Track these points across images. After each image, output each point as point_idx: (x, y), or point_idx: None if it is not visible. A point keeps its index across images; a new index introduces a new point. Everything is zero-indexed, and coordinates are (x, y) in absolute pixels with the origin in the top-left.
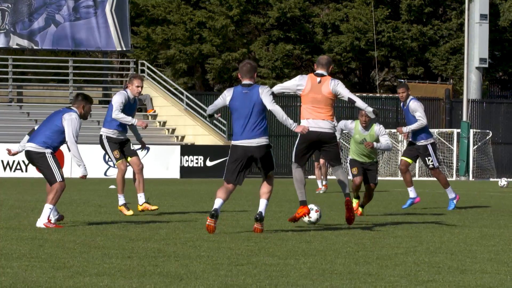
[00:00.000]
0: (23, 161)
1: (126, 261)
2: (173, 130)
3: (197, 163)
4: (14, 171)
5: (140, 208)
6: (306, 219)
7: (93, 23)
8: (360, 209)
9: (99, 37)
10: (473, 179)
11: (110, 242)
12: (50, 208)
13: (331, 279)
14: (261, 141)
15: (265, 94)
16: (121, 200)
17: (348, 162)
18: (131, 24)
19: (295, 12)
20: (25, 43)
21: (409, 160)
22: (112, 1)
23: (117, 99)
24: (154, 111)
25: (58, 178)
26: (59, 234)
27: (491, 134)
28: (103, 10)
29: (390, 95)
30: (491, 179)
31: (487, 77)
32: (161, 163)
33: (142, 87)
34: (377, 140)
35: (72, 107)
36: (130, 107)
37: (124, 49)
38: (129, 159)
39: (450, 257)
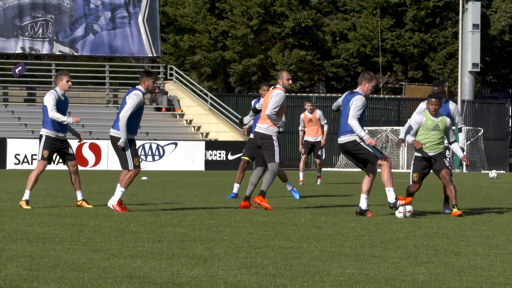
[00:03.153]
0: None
1: (156, 245)
2: (199, 127)
3: (220, 157)
4: (57, 164)
5: (78, 204)
6: (401, 215)
7: (127, 32)
8: (454, 209)
9: (132, 44)
10: (466, 171)
11: (142, 227)
12: (122, 191)
13: (340, 260)
14: None
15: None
16: (26, 195)
17: (413, 161)
18: (161, 32)
19: (308, 22)
20: (66, 50)
21: None
22: (144, 12)
23: (49, 99)
24: (181, 111)
25: (131, 166)
26: (96, 220)
27: (482, 131)
28: (136, 20)
29: (392, 96)
30: (482, 171)
31: (479, 80)
32: (188, 157)
33: (70, 81)
34: (447, 129)
35: (137, 86)
36: (62, 104)
37: (155, 55)
38: (68, 162)
39: (446, 241)
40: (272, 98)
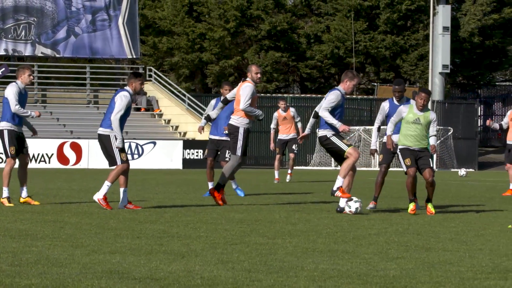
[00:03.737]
0: (46, 154)
1: (135, 241)
2: (177, 127)
3: (197, 155)
4: (39, 162)
5: (22, 200)
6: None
7: (107, 34)
8: (429, 206)
9: (112, 46)
10: (436, 169)
11: (121, 224)
12: (108, 186)
13: (313, 256)
14: None
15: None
16: (5, 193)
17: (399, 151)
18: (140, 35)
19: (283, 25)
20: (48, 51)
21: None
22: (124, 15)
23: (11, 92)
24: (160, 111)
25: (119, 161)
26: (77, 217)
27: (452, 130)
28: (116, 22)
29: (365, 96)
30: (452, 170)
31: (449, 81)
32: (166, 155)
33: (32, 75)
34: (428, 125)
35: (125, 87)
36: (23, 97)
37: (134, 56)
38: (22, 155)
39: (417, 237)
40: (242, 92)
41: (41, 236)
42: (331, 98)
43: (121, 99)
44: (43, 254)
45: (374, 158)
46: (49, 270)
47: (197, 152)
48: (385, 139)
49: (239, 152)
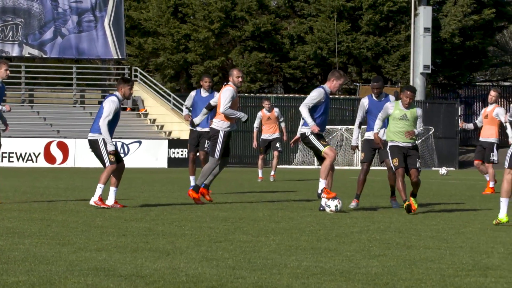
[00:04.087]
0: (34, 153)
1: (121, 239)
2: (162, 126)
3: (182, 154)
4: (26, 161)
5: None
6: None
7: (93, 35)
8: (412, 200)
9: (98, 47)
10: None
11: (107, 222)
12: (100, 188)
13: (297, 253)
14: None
15: None
16: None
17: (388, 148)
18: (125, 35)
19: (267, 26)
20: (35, 52)
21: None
22: (110, 16)
23: None
24: (145, 110)
25: (107, 163)
26: (64, 215)
27: (433, 130)
28: (102, 23)
29: (347, 96)
30: (433, 168)
31: (430, 81)
32: (151, 154)
33: (8, 70)
34: (415, 121)
35: (114, 92)
36: (0, 92)
37: (120, 57)
38: None
39: (398, 235)
40: (222, 95)
41: (28, 234)
42: (313, 95)
43: (109, 104)
44: (30, 251)
45: (354, 153)
46: (36, 268)
47: (182, 151)
48: (367, 136)
49: (217, 155)
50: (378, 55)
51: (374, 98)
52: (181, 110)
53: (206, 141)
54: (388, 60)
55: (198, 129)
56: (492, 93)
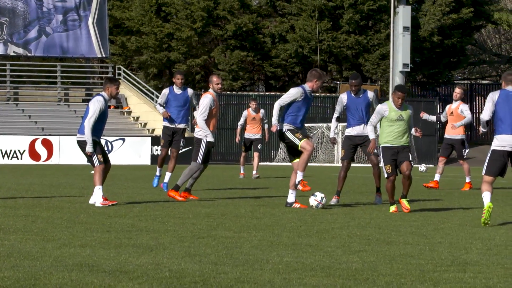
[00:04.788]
0: (18, 150)
1: (105, 235)
2: (145, 124)
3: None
4: (11, 158)
5: None
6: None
7: (78, 34)
8: (404, 201)
9: (82, 45)
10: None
11: (91, 218)
12: (100, 189)
13: (278, 249)
14: None
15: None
16: None
17: (381, 151)
18: (109, 34)
19: (248, 26)
20: (20, 50)
21: None
22: (94, 15)
23: None
24: (129, 108)
25: (96, 163)
26: (48, 212)
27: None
28: (86, 22)
29: (328, 94)
30: (412, 165)
31: (409, 79)
32: (134, 151)
33: None
34: (410, 119)
35: (100, 92)
36: None
37: (104, 55)
38: None
39: (378, 231)
40: (200, 104)
41: (13, 230)
42: (291, 92)
43: (94, 104)
44: (15, 247)
45: (334, 147)
46: (21, 263)
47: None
48: (347, 132)
49: (199, 160)
50: (358, 53)
51: (353, 94)
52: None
53: (182, 140)
54: (368, 59)
55: (171, 126)
56: (457, 90)
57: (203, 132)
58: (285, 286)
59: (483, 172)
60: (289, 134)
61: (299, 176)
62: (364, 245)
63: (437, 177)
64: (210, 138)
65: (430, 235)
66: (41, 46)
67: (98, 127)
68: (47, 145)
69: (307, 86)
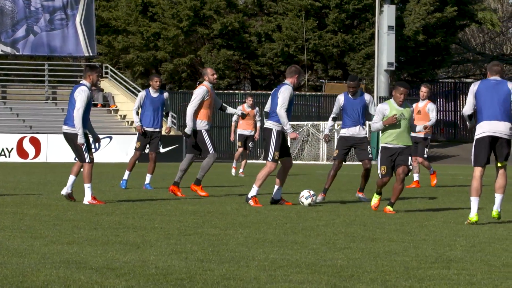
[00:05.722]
0: (6, 148)
1: (92, 232)
2: (132, 122)
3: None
4: None
5: None
6: (306, 202)
7: (65, 33)
8: (389, 208)
9: (70, 44)
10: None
11: (79, 215)
12: (89, 187)
13: (264, 246)
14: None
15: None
16: None
17: (379, 153)
18: (96, 34)
19: (234, 25)
20: (8, 49)
21: None
22: (81, 14)
23: None
24: (116, 107)
25: (87, 159)
26: (36, 209)
27: None
28: (73, 22)
29: (313, 93)
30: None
31: (394, 78)
32: (122, 149)
33: None
34: (411, 118)
35: (81, 81)
36: None
37: (91, 54)
38: None
39: (363, 228)
40: (194, 93)
41: (1, 227)
42: (286, 93)
43: (81, 94)
44: (3, 244)
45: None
46: (9, 260)
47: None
48: (342, 133)
49: (211, 149)
50: (343, 52)
51: (350, 96)
52: None
53: (159, 142)
54: (353, 57)
55: (150, 129)
56: (423, 89)
57: (200, 122)
58: (271, 283)
59: (473, 164)
60: (273, 139)
61: (254, 191)
62: (349, 242)
63: (416, 177)
64: (188, 130)
65: (414, 232)
66: (29, 45)
67: (85, 117)
68: (35, 143)
69: (289, 82)
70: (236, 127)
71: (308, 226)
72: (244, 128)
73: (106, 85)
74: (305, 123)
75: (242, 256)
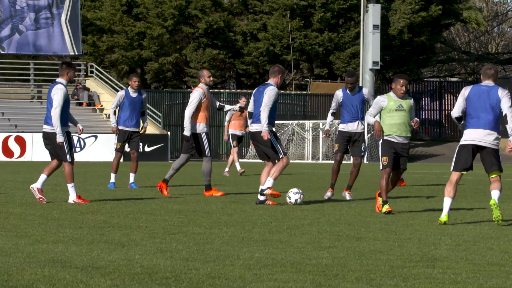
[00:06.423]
0: None
1: (77, 231)
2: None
3: (139, 149)
4: None
5: None
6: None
7: (50, 32)
8: (386, 206)
9: (55, 43)
10: (367, 162)
11: (64, 214)
12: (72, 186)
13: (249, 245)
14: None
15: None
16: None
17: (381, 143)
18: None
19: (220, 24)
20: None
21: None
22: (67, 13)
23: None
24: (101, 106)
25: (69, 158)
26: (21, 208)
27: None
28: (59, 21)
29: (298, 92)
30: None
31: (379, 77)
32: (107, 148)
33: None
34: (411, 109)
35: (57, 80)
36: None
37: (77, 53)
38: None
39: (348, 227)
40: (191, 96)
41: None
42: (271, 94)
43: (57, 92)
44: None
45: (327, 138)
46: None
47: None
48: (340, 128)
49: (208, 152)
50: (329, 51)
51: (348, 92)
52: None
53: (139, 141)
54: (339, 56)
55: (129, 129)
56: None
57: (198, 125)
58: (256, 281)
59: (451, 168)
60: (273, 141)
61: (269, 183)
62: (334, 241)
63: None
64: (187, 132)
65: (399, 231)
66: (14, 44)
67: (64, 115)
68: (20, 142)
69: (273, 82)
70: (228, 126)
71: (293, 225)
72: (235, 128)
73: (92, 84)
74: (290, 122)
75: (227, 255)
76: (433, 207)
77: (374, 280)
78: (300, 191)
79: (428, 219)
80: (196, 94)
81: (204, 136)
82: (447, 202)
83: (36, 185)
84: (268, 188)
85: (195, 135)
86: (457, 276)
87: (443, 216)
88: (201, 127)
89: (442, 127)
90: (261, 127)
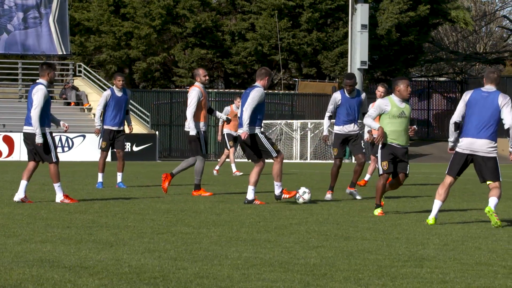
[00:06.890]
0: None
1: (65, 230)
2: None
3: (125, 148)
4: None
5: None
6: (301, 200)
7: (39, 31)
8: (380, 209)
9: (43, 43)
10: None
11: (52, 214)
12: (59, 186)
13: (237, 245)
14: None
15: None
16: None
17: (379, 150)
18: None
19: (208, 23)
20: None
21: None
22: (55, 13)
23: None
24: (89, 105)
25: (54, 158)
26: (9, 208)
27: None
28: (47, 20)
29: (286, 91)
30: (369, 162)
31: (367, 76)
32: (95, 148)
33: None
34: (409, 117)
35: (38, 80)
36: None
37: (65, 53)
38: None
39: (336, 227)
40: (188, 97)
41: None
42: (254, 95)
43: (37, 93)
44: None
45: (326, 144)
46: None
47: (125, 144)
48: (336, 130)
49: (203, 151)
50: (317, 51)
51: (347, 94)
52: None
53: (124, 140)
54: (327, 56)
55: (115, 128)
56: (380, 89)
57: (196, 124)
58: (244, 281)
59: (446, 171)
60: (264, 141)
61: (279, 188)
62: (322, 240)
63: (367, 177)
64: (193, 132)
65: (387, 230)
66: (2, 43)
67: (45, 115)
68: (8, 141)
69: (260, 84)
70: (223, 126)
71: (281, 225)
72: (231, 129)
73: (80, 83)
74: (279, 121)
75: (215, 254)
76: (421, 206)
77: (362, 280)
78: (302, 192)
79: (416, 219)
80: (194, 94)
81: (201, 135)
82: (436, 205)
83: (19, 196)
84: (282, 192)
85: (190, 135)
86: (445, 276)
87: (430, 219)
88: (199, 125)
89: (430, 126)
90: (253, 129)
